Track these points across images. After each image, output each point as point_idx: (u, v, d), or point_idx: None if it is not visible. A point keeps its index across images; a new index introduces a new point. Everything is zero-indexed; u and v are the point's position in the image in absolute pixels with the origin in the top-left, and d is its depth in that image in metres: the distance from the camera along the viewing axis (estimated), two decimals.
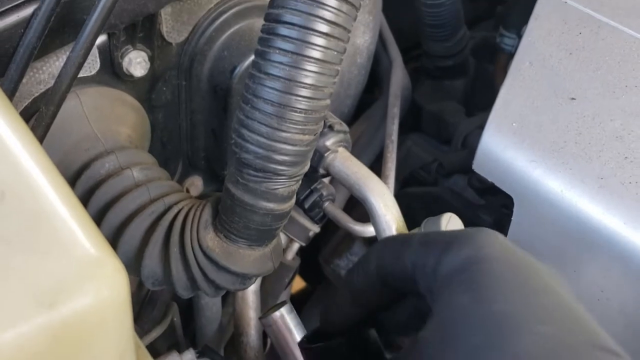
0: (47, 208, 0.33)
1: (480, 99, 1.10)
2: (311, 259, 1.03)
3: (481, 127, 0.71)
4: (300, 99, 0.50)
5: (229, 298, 0.92)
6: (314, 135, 0.53)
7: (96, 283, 0.31)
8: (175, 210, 0.59)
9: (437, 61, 1.03)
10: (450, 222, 0.62)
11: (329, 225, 1.04)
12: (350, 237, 1.06)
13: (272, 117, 0.51)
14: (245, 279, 0.59)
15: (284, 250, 0.89)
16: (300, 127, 0.51)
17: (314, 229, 0.88)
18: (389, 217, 0.67)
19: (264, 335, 0.91)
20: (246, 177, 0.54)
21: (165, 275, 0.58)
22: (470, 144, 0.94)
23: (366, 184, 0.67)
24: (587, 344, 0.40)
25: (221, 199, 0.57)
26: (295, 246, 0.89)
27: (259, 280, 0.85)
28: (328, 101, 0.52)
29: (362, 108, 0.98)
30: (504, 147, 0.68)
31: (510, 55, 1.04)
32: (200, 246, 0.57)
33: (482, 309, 0.41)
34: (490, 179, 0.70)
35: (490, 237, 0.46)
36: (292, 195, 0.57)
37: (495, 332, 0.40)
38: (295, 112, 0.51)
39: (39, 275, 0.30)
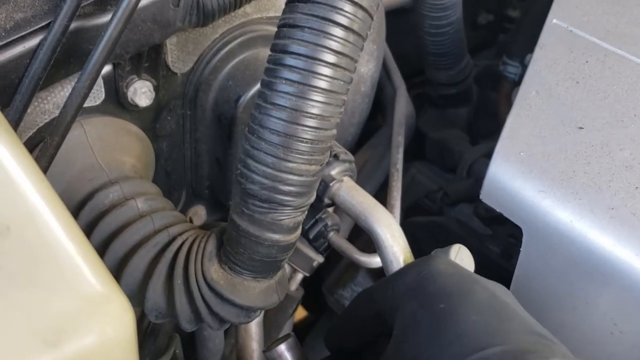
0: (52, 243, 0.32)
1: (483, 127, 1.10)
2: (314, 288, 1.02)
3: (486, 155, 0.71)
4: (306, 129, 0.50)
5: (231, 329, 0.90)
6: (320, 165, 0.53)
7: (102, 320, 0.30)
8: (179, 241, 0.58)
9: (441, 89, 1.03)
10: (460, 253, 0.61)
11: (332, 255, 1.03)
12: (354, 267, 1.05)
13: (278, 148, 0.50)
14: (250, 312, 0.58)
15: (287, 281, 0.87)
16: (306, 157, 0.51)
17: (318, 259, 0.87)
18: (396, 249, 0.66)
19: None
20: (251, 207, 0.53)
21: (169, 308, 0.57)
22: (475, 172, 0.94)
23: (372, 215, 0.66)
24: (521, 329, 0.46)
25: (226, 230, 0.56)
26: (299, 277, 0.88)
27: (262, 312, 0.84)
28: (334, 131, 0.52)
29: (365, 135, 0.97)
30: (512, 177, 0.67)
31: (514, 83, 1.05)
32: (204, 278, 0.56)
33: (427, 310, 0.48)
34: (498, 209, 0.69)
35: (436, 259, 0.54)
36: (297, 226, 0.56)
37: (440, 324, 0.46)
38: (302, 142, 0.50)
39: (43, 313, 0.29)
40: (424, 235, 0.89)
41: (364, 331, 0.58)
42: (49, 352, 0.28)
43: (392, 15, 0.95)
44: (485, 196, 0.69)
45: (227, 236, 0.56)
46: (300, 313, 1.32)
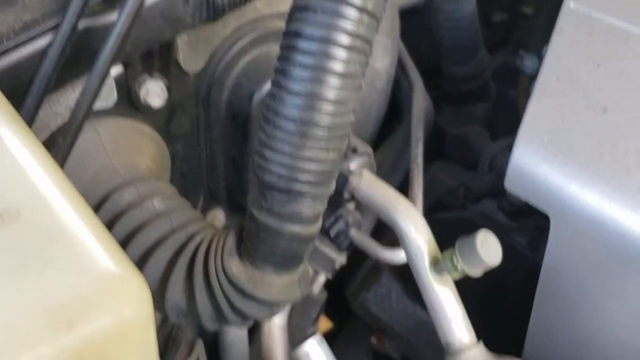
0: (64, 226, 0.31)
1: (503, 124, 1.08)
2: (337, 298, 1.00)
3: (508, 148, 0.69)
4: (323, 114, 0.48)
5: (255, 336, 0.88)
6: (339, 153, 0.51)
7: (118, 301, 0.29)
8: (198, 239, 0.56)
9: (458, 85, 1.01)
10: (486, 240, 0.59)
11: (354, 259, 1.01)
12: (377, 270, 1.03)
13: (295, 135, 0.49)
14: (273, 307, 0.56)
15: (310, 282, 0.86)
16: (324, 144, 0.49)
17: (340, 259, 0.85)
18: (421, 241, 0.64)
19: None
20: (270, 200, 0.52)
21: (189, 307, 0.55)
22: (497, 167, 0.92)
23: (395, 207, 0.65)
24: None
25: (245, 225, 0.55)
26: (322, 278, 0.86)
27: (285, 316, 0.82)
28: (352, 117, 0.50)
29: (382, 138, 0.96)
30: (536, 163, 0.65)
31: (532, 78, 1.03)
32: (225, 274, 0.54)
33: None
34: (523, 197, 0.67)
35: None
36: (318, 218, 0.55)
37: None
38: (319, 128, 0.49)
39: (58, 293, 0.28)
40: (448, 232, 0.86)
41: None
42: (64, 332, 0.27)
43: (406, 15, 0.94)
44: (509, 184, 0.67)
45: (246, 231, 0.55)
46: (324, 324, 1.30)
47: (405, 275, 1.00)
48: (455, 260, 0.60)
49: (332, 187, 0.54)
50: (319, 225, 0.55)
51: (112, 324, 0.29)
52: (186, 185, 0.74)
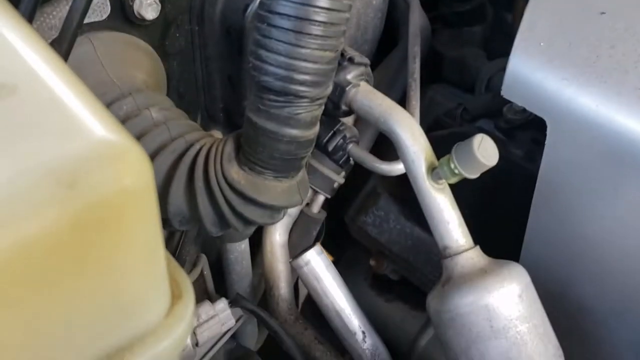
0: (62, 98, 0.31)
1: (499, 46, 1.07)
2: (335, 231, 1.01)
3: (505, 69, 0.69)
4: (318, 10, 0.48)
5: (257, 258, 0.90)
6: (335, 52, 0.51)
7: (118, 167, 0.29)
8: (197, 146, 0.57)
9: (454, 6, 1.00)
10: (483, 143, 0.60)
11: (352, 187, 1.02)
12: (376, 193, 1.04)
13: (290, 33, 0.48)
14: (273, 212, 0.57)
15: (310, 204, 0.87)
16: (320, 42, 0.49)
17: (338, 179, 0.86)
18: (417, 148, 0.65)
19: (297, 287, 0.89)
20: (267, 103, 0.52)
21: (192, 212, 0.56)
22: (494, 87, 0.92)
23: (392, 116, 0.65)
24: None
25: (243, 130, 0.55)
26: (320, 199, 0.87)
27: (286, 234, 0.83)
28: (347, 14, 0.50)
29: (379, 62, 0.95)
30: (533, 69, 0.65)
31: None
32: (225, 179, 0.55)
33: None
34: (520, 103, 0.67)
35: None
36: (315, 122, 0.55)
37: None
38: (314, 25, 0.48)
39: (58, 158, 0.28)
40: (445, 148, 0.87)
41: None
42: (66, 193, 0.28)
43: None
44: (506, 91, 0.67)
45: (244, 136, 0.55)
46: None
47: (403, 197, 1.01)
48: (452, 164, 0.61)
49: (329, 89, 0.54)
50: (316, 129, 0.56)
51: (113, 190, 0.29)
52: (183, 105, 0.74)
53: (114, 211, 0.30)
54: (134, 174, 0.30)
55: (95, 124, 0.29)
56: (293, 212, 0.83)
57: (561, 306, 0.69)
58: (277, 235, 0.81)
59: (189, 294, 0.38)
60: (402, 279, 1.03)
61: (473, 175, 0.60)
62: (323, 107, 0.55)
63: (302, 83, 0.50)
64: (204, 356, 0.68)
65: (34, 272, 0.28)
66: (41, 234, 0.27)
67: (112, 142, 0.30)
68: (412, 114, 0.76)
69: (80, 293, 0.30)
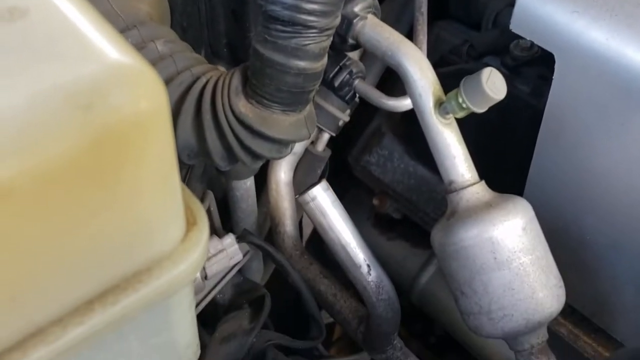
0: (76, 22, 0.30)
1: None
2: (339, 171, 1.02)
3: (512, 5, 0.68)
4: None
5: (263, 196, 0.90)
6: None
7: (134, 90, 0.29)
8: (203, 79, 0.56)
9: None
10: (491, 76, 0.59)
11: (356, 128, 1.01)
12: (380, 132, 1.04)
13: None
14: (281, 146, 0.57)
15: (314, 142, 0.87)
16: None
17: (344, 117, 0.85)
18: (425, 82, 0.64)
19: (300, 226, 0.90)
20: (274, 33, 0.51)
21: (200, 145, 0.56)
22: (501, 23, 0.90)
23: (399, 49, 0.64)
24: None
25: (250, 63, 0.55)
26: (325, 137, 0.87)
27: (291, 172, 0.83)
28: None
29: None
30: (543, 2, 0.64)
31: None
32: (233, 112, 0.54)
33: None
34: (529, 38, 0.66)
35: None
36: (323, 54, 0.54)
37: None
38: None
39: (74, 80, 0.28)
40: (451, 84, 0.86)
41: None
42: (83, 114, 0.28)
43: None
44: (515, 25, 0.67)
45: (252, 68, 0.54)
46: None
47: (407, 136, 1.01)
48: (460, 98, 0.60)
49: (338, 19, 0.53)
50: (324, 61, 0.55)
51: (129, 112, 0.29)
52: (187, 40, 0.73)
53: (131, 133, 0.30)
54: (149, 96, 0.30)
55: (109, 47, 0.29)
56: (298, 150, 0.83)
57: (563, 240, 0.70)
58: (282, 173, 0.82)
59: (204, 221, 0.38)
60: (404, 217, 1.04)
61: (481, 109, 0.60)
62: (331, 38, 0.54)
63: (310, 12, 0.50)
64: (212, 289, 0.69)
65: (56, 193, 0.28)
66: (61, 155, 0.27)
67: (127, 65, 0.29)
68: (419, 48, 0.75)
69: (101, 214, 0.30)
